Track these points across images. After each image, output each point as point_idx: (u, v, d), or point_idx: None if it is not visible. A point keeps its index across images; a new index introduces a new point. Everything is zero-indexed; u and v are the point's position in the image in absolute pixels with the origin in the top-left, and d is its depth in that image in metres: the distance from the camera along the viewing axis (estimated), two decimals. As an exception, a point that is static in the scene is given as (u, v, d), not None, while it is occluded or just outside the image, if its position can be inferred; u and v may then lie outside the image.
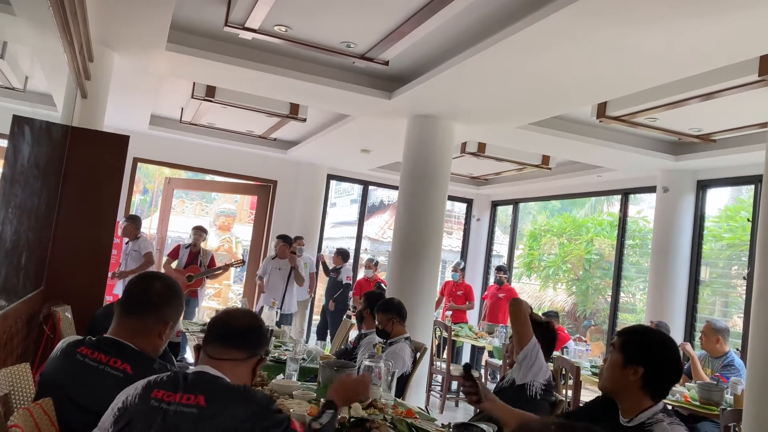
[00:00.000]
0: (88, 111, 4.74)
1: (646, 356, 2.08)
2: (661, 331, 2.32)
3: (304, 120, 6.80)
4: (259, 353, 1.87)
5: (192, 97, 6.41)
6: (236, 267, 8.13)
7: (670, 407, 4.12)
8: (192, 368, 1.81)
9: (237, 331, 1.85)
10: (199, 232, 7.62)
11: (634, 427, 2.05)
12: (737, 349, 5.53)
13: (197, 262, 7.47)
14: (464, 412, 7.16)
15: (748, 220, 6.97)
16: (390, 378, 3.31)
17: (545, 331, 3.32)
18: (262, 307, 7.37)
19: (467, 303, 8.89)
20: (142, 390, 1.70)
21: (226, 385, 1.73)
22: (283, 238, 7.75)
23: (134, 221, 7.17)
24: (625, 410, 2.11)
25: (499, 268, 8.94)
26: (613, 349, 2.17)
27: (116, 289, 7.56)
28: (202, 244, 7.67)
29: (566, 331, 7.54)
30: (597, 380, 5.28)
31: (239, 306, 5.99)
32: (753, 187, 6.70)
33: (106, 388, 1.84)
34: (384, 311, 4.14)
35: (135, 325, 2.00)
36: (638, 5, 3.26)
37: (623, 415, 2.11)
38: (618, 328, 7.97)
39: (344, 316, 7.87)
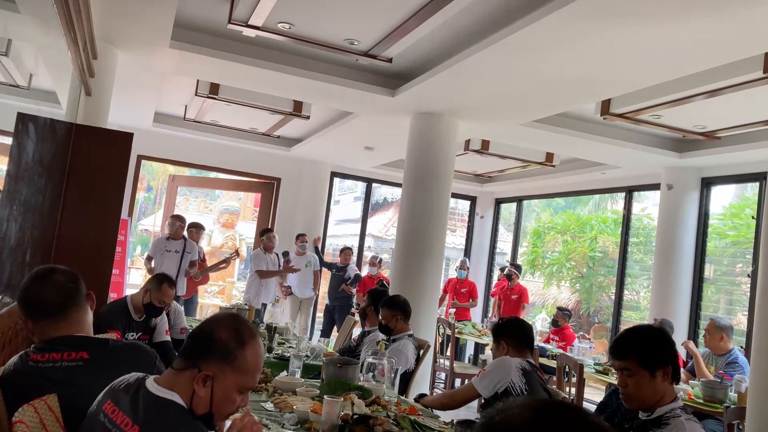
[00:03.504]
0: (92, 108, 4.75)
1: (665, 354, 2.13)
2: (647, 325, 2.34)
3: (308, 117, 6.81)
4: (198, 365, 1.58)
5: (195, 95, 6.41)
6: (233, 259, 8.12)
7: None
8: (152, 384, 1.61)
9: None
10: (198, 230, 7.63)
11: (653, 419, 2.11)
12: (741, 347, 5.52)
13: (198, 259, 7.49)
14: (467, 408, 7.16)
15: (753, 217, 6.95)
16: (393, 375, 3.32)
17: (508, 327, 3.37)
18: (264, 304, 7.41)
19: (471, 300, 8.89)
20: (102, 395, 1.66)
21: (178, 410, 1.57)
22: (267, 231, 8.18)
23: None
24: (647, 408, 2.16)
25: (513, 265, 8.89)
26: (629, 372, 2.13)
27: (123, 286, 7.58)
28: (202, 242, 7.71)
29: (571, 330, 7.53)
30: (600, 377, 5.29)
31: (242, 303, 5.98)
32: (758, 184, 6.68)
33: (70, 381, 1.85)
34: (389, 307, 4.15)
35: (70, 320, 1.97)
36: (642, 2, 3.25)
37: (643, 411, 2.17)
38: (622, 326, 7.99)
39: (348, 314, 7.88)
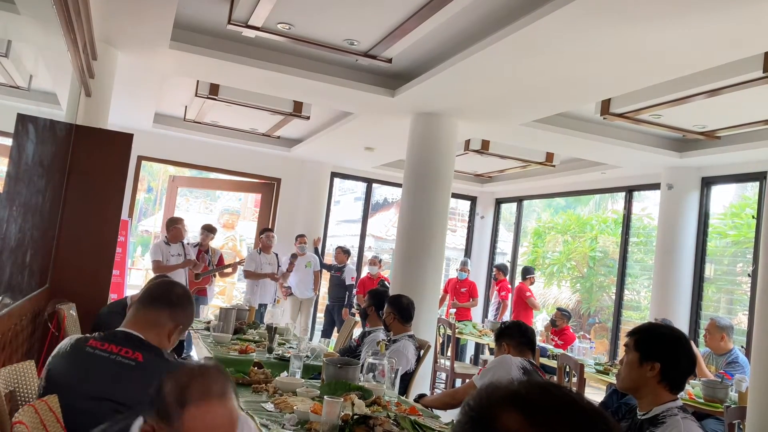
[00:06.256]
0: (92, 109, 4.75)
1: (661, 351, 2.14)
2: (671, 326, 2.36)
3: (308, 118, 6.80)
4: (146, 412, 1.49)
5: (195, 95, 6.41)
6: (242, 264, 8.15)
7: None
8: None
9: None
10: (207, 231, 7.62)
11: (649, 418, 2.12)
12: (742, 347, 5.52)
13: (205, 261, 7.48)
14: (468, 409, 7.14)
15: (753, 217, 6.95)
16: (393, 375, 3.32)
17: (509, 329, 3.45)
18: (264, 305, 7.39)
19: (471, 300, 8.89)
20: None
21: None
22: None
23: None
24: (643, 405, 2.17)
25: (526, 270, 8.93)
26: (627, 349, 2.22)
27: (124, 287, 7.58)
28: (211, 243, 7.69)
29: (572, 330, 7.53)
30: (601, 377, 5.30)
31: (243, 304, 5.98)
32: (758, 183, 6.68)
33: (119, 376, 1.91)
34: (389, 304, 4.18)
35: (151, 318, 2.08)
36: (642, 2, 3.25)
37: (641, 409, 2.18)
38: (622, 326, 7.99)
39: (348, 314, 7.88)
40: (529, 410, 0.77)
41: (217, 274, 7.75)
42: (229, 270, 7.99)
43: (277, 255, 8.04)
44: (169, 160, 9.54)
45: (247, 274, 7.89)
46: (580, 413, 0.78)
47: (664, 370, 2.12)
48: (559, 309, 7.74)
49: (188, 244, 7.43)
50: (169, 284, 2.24)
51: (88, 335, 2.06)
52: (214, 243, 8.18)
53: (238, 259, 8.42)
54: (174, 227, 7.10)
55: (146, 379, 1.92)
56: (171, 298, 2.13)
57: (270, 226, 9.30)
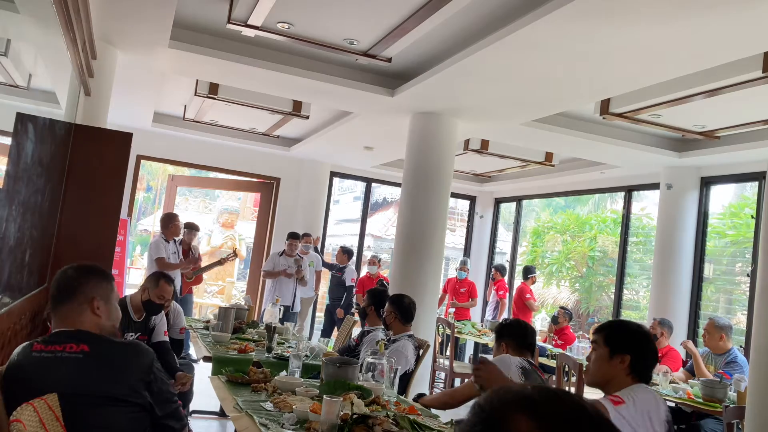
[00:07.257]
0: (91, 108, 4.74)
1: (630, 344, 2.25)
2: (634, 321, 2.46)
3: (307, 117, 6.80)
4: None
5: (195, 95, 6.41)
6: (231, 260, 8.06)
7: (673, 404, 4.17)
8: None
9: None
10: (190, 230, 7.52)
11: None
12: (740, 347, 5.52)
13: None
14: (467, 408, 7.15)
15: (752, 217, 6.95)
16: (392, 375, 3.32)
17: (510, 328, 3.46)
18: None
19: (470, 300, 8.89)
20: None
21: None
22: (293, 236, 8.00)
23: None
24: (602, 390, 2.31)
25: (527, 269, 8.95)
26: (595, 345, 2.32)
27: (123, 287, 7.56)
28: (194, 241, 7.63)
29: (571, 330, 7.53)
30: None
31: (242, 303, 5.98)
32: (757, 183, 6.68)
33: (69, 371, 1.92)
34: (391, 303, 4.18)
35: (66, 312, 2.07)
36: (641, 2, 3.25)
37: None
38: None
39: (348, 313, 7.88)
40: (538, 415, 0.81)
41: (205, 271, 7.71)
42: (219, 266, 7.98)
43: (300, 257, 8.02)
44: (169, 160, 9.53)
45: (265, 275, 8.06)
46: (587, 420, 0.82)
47: (633, 361, 2.23)
48: (562, 308, 7.77)
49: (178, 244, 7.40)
50: (62, 273, 2.17)
51: (32, 341, 2.05)
52: (215, 242, 8.16)
53: (227, 254, 8.34)
54: (174, 224, 7.08)
55: (100, 365, 1.96)
56: (67, 285, 2.10)
57: (269, 226, 9.30)
